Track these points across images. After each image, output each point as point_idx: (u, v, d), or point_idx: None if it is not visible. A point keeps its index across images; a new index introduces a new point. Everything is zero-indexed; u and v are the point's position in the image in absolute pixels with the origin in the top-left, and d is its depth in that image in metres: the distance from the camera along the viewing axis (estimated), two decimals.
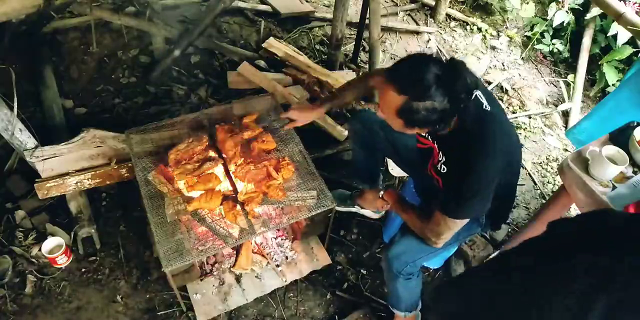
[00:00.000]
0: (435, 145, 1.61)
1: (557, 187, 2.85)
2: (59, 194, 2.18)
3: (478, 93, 1.48)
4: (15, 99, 1.85)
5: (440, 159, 1.57)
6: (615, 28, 3.02)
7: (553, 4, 3.36)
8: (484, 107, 1.48)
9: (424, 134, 1.65)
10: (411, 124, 1.42)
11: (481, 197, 1.48)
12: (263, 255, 2.19)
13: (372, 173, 2.30)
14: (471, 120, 1.45)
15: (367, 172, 2.28)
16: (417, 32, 3.62)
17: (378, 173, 2.34)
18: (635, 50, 3.05)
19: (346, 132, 2.65)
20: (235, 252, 2.15)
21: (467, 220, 1.53)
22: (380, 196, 1.91)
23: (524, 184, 2.86)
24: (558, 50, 3.59)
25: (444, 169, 1.55)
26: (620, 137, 1.66)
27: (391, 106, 1.37)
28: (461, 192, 1.48)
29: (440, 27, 3.76)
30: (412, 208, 1.75)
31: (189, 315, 2.04)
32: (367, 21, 2.74)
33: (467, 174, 1.45)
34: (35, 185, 2.08)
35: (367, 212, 2.42)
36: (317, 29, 3.43)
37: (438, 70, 1.31)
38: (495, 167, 1.44)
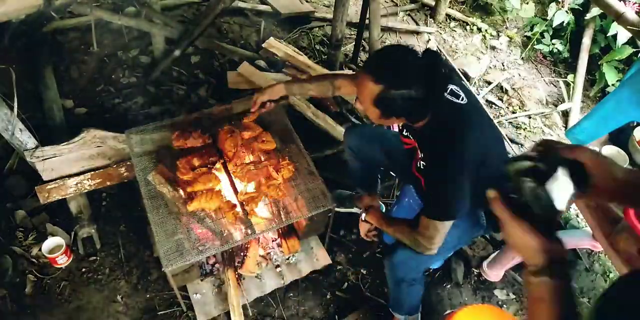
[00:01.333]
0: (416, 143, 1.60)
1: None
2: (60, 197, 2.18)
3: (453, 87, 1.48)
4: (16, 99, 1.85)
5: (420, 156, 1.56)
6: (615, 28, 3.02)
7: (553, 4, 3.36)
8: (460, 99, 1.47)
9: (405, 133, 1.64)
10: (387, 114, 1.42)
11: (454, 193, 1.45)
12: (263, 256, 2.19)
13: (370, 180, 2.27)
14: (444, 113, 1.45)
15: (365, 180, 2.25)
16: (417, 32, 3.62)
17: (376, 179, 2.32)
18: (635, 50, 3.05)
19: None
20: (241, 254, 2.15)
21: (451, 221, 1.48)
22: (363, 219, 1.87)
23: None
24: (558, 50, 3.59)
25: (423, 166, 1.54)
26: (620, 137, 1.67)
27: (368, 96, 1.38)
28: (436, 191, 1.49)
29: (440, 27, 3.76)
30: (396, 221, 1.70)
31: (189, 315, 2.05)
32: (367, 21, 2.74)
33: (436, 169, 1.46)
34: (36, 188, 2.09)
35: None
36: (317, 29, 3.43)
37: (413, 59, 1.33)
38: (463, 160, 1.41)
